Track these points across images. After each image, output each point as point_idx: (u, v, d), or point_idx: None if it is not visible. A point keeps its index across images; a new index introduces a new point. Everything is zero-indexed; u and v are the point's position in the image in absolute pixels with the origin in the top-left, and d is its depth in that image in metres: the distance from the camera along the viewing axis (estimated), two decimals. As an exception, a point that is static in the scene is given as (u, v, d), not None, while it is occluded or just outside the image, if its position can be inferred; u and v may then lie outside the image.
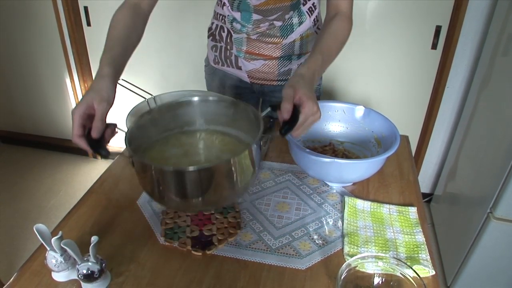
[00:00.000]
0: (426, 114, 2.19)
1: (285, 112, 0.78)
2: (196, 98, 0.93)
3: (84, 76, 2.54)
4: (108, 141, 0.81)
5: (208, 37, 1.33)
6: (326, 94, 2.22)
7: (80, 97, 2.61)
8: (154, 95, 1.19)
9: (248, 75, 1.30)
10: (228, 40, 1.25)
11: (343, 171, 1.01)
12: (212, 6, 1.30)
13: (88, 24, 2.37)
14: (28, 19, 2.42)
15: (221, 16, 1.24)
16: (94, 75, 2.58)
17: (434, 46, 1.98)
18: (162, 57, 2.35)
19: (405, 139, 1.27)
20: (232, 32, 1.23)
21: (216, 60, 1.33)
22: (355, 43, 2.05)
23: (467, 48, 1.94)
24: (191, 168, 0.71)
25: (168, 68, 2.37)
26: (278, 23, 1.17)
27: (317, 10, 1.21)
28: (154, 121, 0.89)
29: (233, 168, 0.75)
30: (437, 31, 1.94)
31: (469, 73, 2.00)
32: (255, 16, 1.17)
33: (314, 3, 1.19)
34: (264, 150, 1.17)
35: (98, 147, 0.77)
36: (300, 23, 1.18)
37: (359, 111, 1.16)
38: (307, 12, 1.18)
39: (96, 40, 2.44)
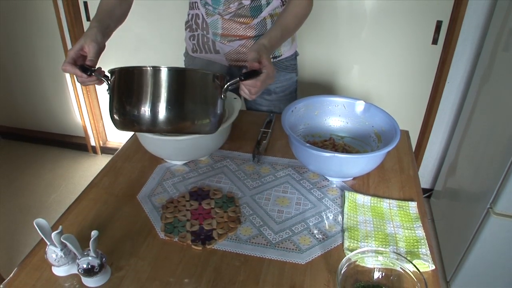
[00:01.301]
0: (427, 109, 2.18)
1: (254, 65, 0.90)
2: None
3: (84, 71, 2.53)
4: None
5: (186, 29, 1.38)
6: (326, 89, 2.21)
7: (80, 92, 2.61)
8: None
9: (226, 58, 1.34)
10: (204, 25, 1.29)
11: (343, 165, 1.00)
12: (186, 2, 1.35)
13: (88, 19, 2.36)
14: (28, 15, 2.41)
15: (195, 4, 1.28)
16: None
17: (434, 41, 1.97)
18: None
19: (405, 134, 1.27)
20: (205, 17, 1.27)
21: (194, 49, 1.37)
22: (356, 38, 2.04)
23: (468, 43, 1.93)
24: (164, 67, 0.81)
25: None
26: (246, 2, 1.21)
27: None
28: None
29: (194, 82, 0.85)
30: (438, 26, 1.93)
31: (470, 69, 1.99)
32: None
33: None
34: (264, 145, 1.17)
35: (86, 69, 0.90)
36: (268, 3, 1.24)
37: (360, 106, 1.16)
38: None
39: (95, 35, 2.43)
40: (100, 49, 0.96)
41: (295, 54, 1.45)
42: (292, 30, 1.14)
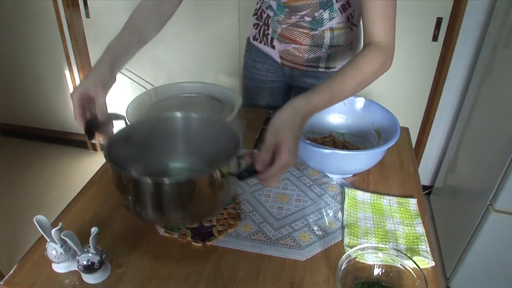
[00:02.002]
0: (427, 106, 2.18)
1: (259, 164, 0.73)
2: (178, 115, 0.92)
3: (83, 68, 2.53)
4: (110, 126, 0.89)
5: (253, 15, 1.38)
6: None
7: (79, 89, 2.60)
8: (155, 85, 1.19)
9: (279, 56, 1.33)
10: (267, 21, 1.29)
11: (343, 162, 1.00)
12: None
13: (87, 15, 2.35)
14: (27, 11, 2.41)
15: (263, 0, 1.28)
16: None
17: (435, 38, 1.97)
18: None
19: (405, 131, 1.26)
20: (270, 15, 1.27)
21: (256, 37, 1.38)
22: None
23: (468, 40, 1.93)
24: (167, 181, 0.72)
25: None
26: (308, 19, 1.18)
27: (352, 8, 1.18)
28: (132, 136, 0.89)
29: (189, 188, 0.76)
30: (438, 23, 1.92)
31: (470, 66, 1.99)
32: (288, 9, 1.19)
33: (348, 1, 1.15)
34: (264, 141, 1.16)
35: (90, 132, 0.85)
36: (331, 18, 1.17)
37: (360, 102, 1.16)
38: (339, 9, 1.16)
39: (95, 32, 2.42)
40: (108, 90, 0.88)
41: None
42: (349, 90, 0.91)
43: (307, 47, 1.25)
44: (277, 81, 1.41)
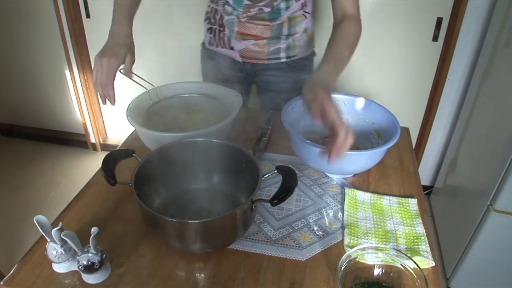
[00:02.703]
0: (427, 106, 2.18)
1: (316, 114, 0.79)
2: (200, 140, 0.95)
3: (83, 68, 2.53)
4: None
5: (205, 20, 1.38)
6: (326, 86, 2.21)
7: (80, 90, 2.60)
8: (155, 85, 1.19)
9: (240, 55, 1.34)
10: (221, 22, 1.30)
11: (343, 162, 1.00)
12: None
13: (88, 16, 2.35)
14: (27, 12, 2.41)
15: None
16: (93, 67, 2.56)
17: (435, 38, 1.97)
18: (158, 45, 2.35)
19: (405, 131, 1.26)
20: (224, 15, 1.27)
21: (211, 42, 1.38)
22: (356, 35, 2.04)
23: (469, 40, 1.93)
24: (190, 221, 0.76)
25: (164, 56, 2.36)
26: (267, 9, 1.21)
27: None
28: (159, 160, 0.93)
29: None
30: (438, 23, 1.92)
31: (470, 65, 1.99)
32: (246, 1, 1.21)
33: None
34: (264, 141, 1.16)
35: (109, 174, 0.84)
36: (287, 7, 1.23)
37: (360, 102, 1.16)
38: None
39: (95, 32, 2.42)
40: (130, 50, 1.02)
41: (312, 55, 1.43)
42: (346, 59, 1.04)
43: (266, 40, 1.28)
44: (239, 80, 1.43)
